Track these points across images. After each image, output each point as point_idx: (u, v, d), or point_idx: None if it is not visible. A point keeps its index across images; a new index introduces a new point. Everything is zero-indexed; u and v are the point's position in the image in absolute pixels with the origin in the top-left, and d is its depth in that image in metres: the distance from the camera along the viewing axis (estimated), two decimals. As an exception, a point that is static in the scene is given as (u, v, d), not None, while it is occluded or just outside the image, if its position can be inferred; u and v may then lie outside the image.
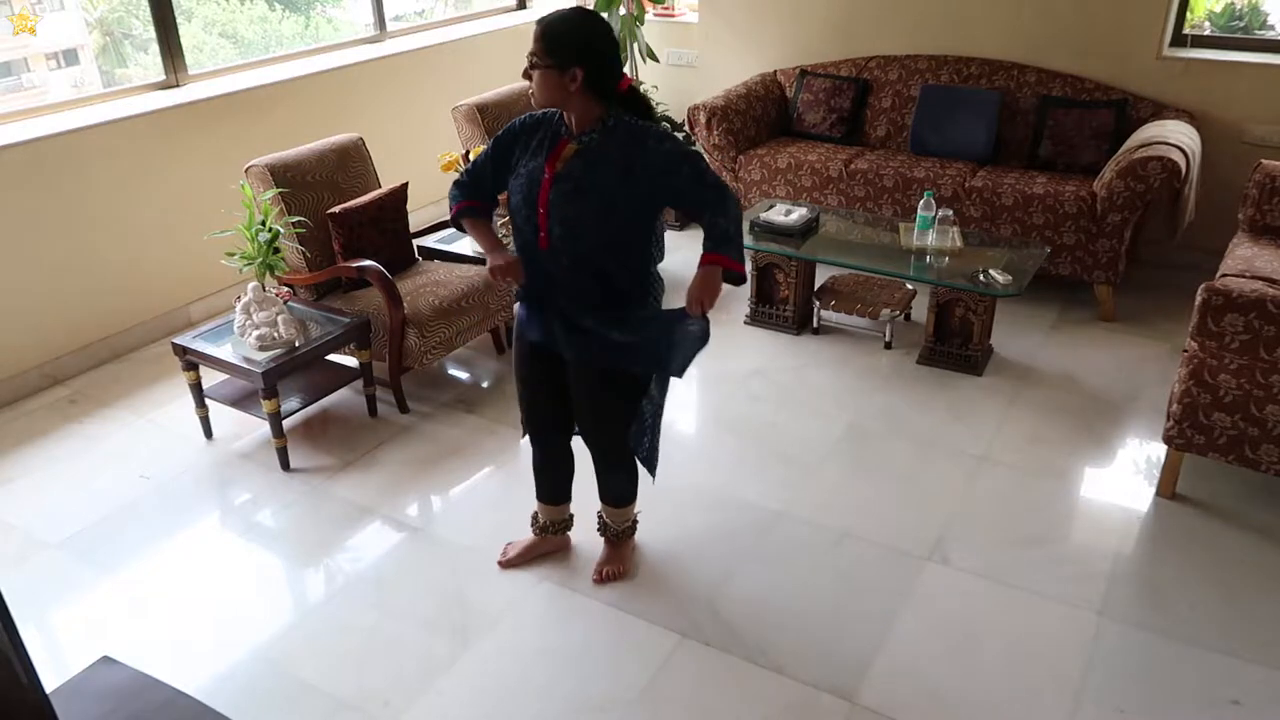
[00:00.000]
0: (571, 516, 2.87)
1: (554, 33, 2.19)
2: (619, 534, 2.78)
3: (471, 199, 2.49)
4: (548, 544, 2.86)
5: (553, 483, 2.79)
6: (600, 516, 2.78)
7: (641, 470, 2.68)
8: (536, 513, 2.84)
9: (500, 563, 2.84)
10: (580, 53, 2.18)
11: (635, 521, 2.81)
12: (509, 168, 2.37)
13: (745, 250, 4.22)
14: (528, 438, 2.71)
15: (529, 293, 2.45)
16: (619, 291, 2.36)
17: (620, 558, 2.80)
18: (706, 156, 5.07)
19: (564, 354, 2.43)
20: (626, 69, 5.51)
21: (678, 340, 2.38)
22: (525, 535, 2.88)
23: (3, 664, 1.39)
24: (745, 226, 4.18)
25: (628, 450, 2.59)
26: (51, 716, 1.51)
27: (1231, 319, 2.80)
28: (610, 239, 2.29)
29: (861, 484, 3.20)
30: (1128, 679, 2.43)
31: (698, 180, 2.27)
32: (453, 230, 4.20)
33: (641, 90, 2.37)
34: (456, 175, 2.54)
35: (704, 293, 2.30)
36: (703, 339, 2.38)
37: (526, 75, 2.25)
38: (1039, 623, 2.60)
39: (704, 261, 2.31)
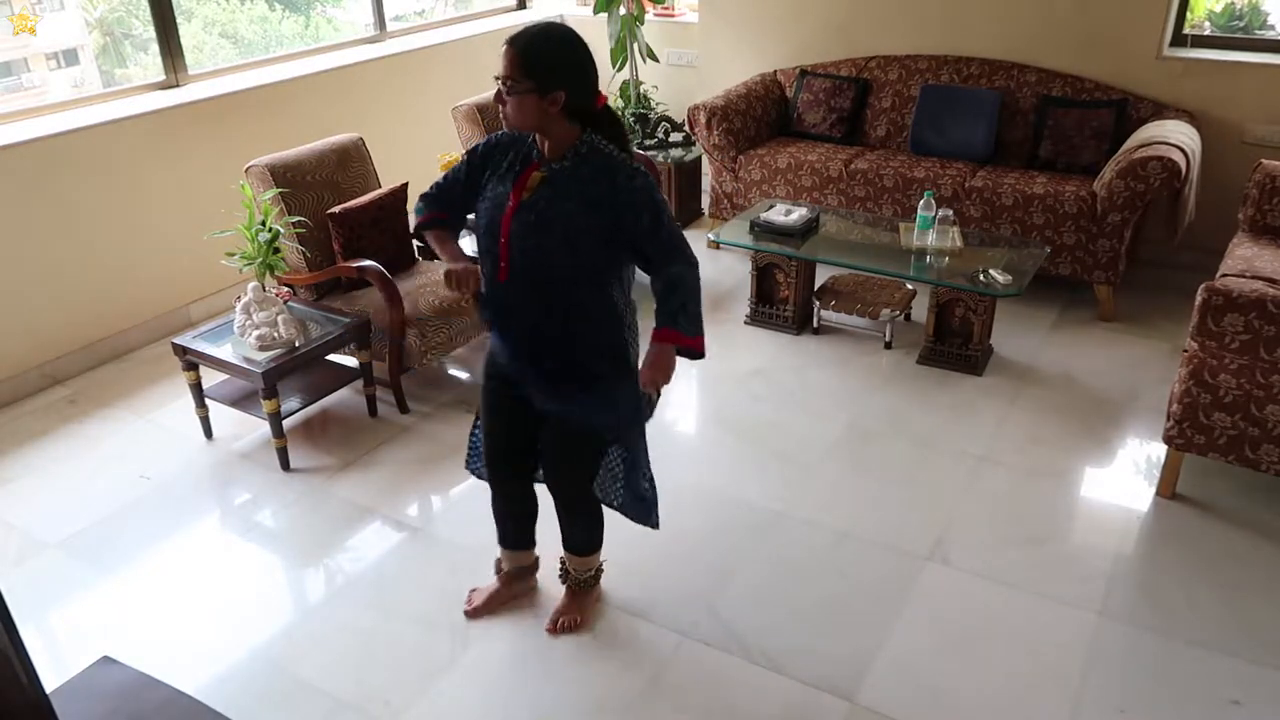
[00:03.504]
0: (537, 560, 2.74)
1: (534, 53, 2.01)
2: (580, 583, 2.61)
3: (438, 211, 2.33)
4: (512, 591, 2.71)
5: (515, 527, 2.65)
6: (562, 563, 2.64)
7: (617, 517, 2.55)
8: (499, 560, 2.72)
9: (467, 613, 2.66)
10: (564, 74, 2.03)
11: (600, 570, 2.65)
12: (479, 187, 2.23)
13: (745, 249, 4.27)
14: (487, 479, 2.58)
15: (495, 321, 2.31)
16: (567, 326, 2.19)
17: (579, 607, 2.62)
18: (706, 157, 5.08)
19: (527, 389, 2.32)
20: (626, 69, 5.52)
21: (621, 407, 2.29)
22: (488, 581, 2.74)
23: (3, 664, 1.39)
24: (745, 227, 4.19)
25: (592, 498, 2.47)
26: (51, 716, 1.51)
27: (1231, 319, 2.80)
28: (573, 275, 2.14)
29: (861, 484, 3.20)
30: (1128, 679, 2.43)
31: (654, 231, 2.10)
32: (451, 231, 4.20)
33: (615, 108, 2.26)
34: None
35: (656, 373, 2.16)
36: (643, 415, 2.32)
37: (500, 99, 2.06)
38: (1039, 623, 2.60)
39: (656, 338, 2.15)
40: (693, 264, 2.17)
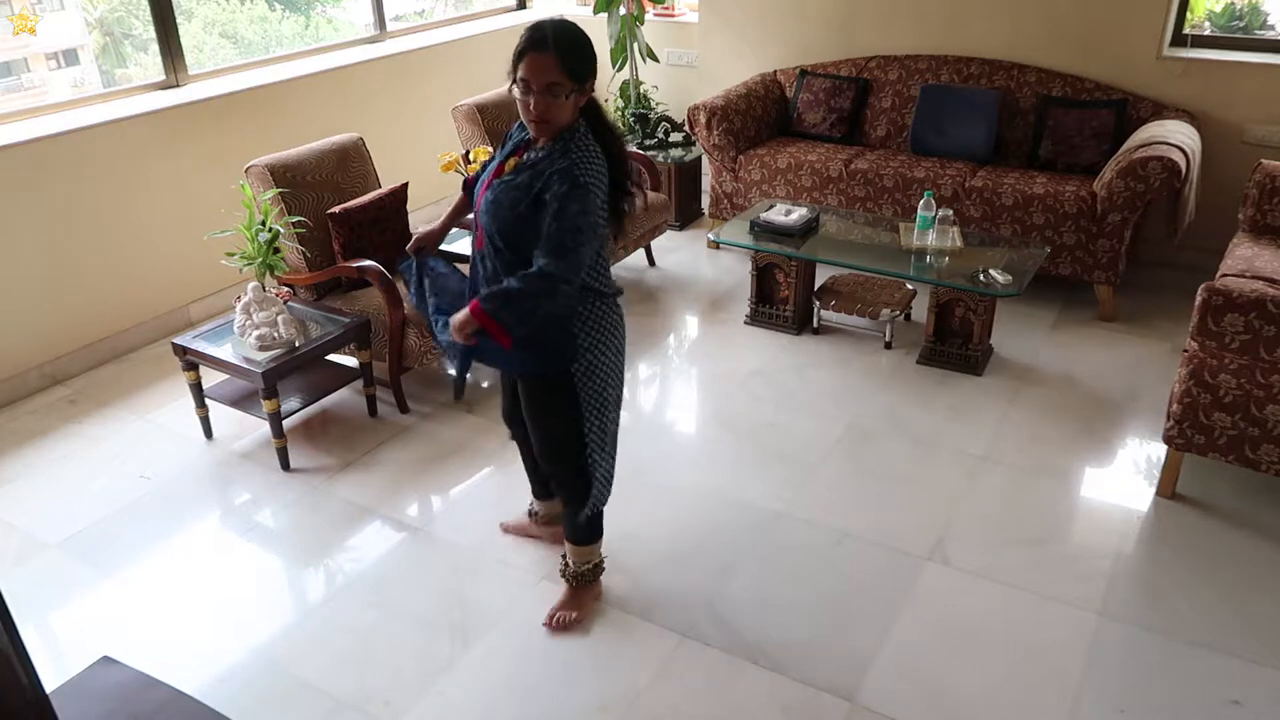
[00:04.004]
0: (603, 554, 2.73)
1: (575, 55, 2.07)
2: (578, 576, 2.62)
3: (467, 183, 2.56)
4: (541, 530, 2.91)
5: (536, 479, 2.85)
6: (563, 556, 2.66)
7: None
8: (532, 503, 2.93)
9: (501, 525, 2.95)
10: (592, 67, 2.14)
11: (598, 565, 2.65)
12: None
13: (745, 249, 4.27)
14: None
15: (472, 282, 2.41)
16: None
17: (577, 603, 2.63)
18: (706, 157, 5.07)
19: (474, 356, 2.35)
20: (626, 69, 5.52)
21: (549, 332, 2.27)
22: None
23: (3, 664, 1.39)
24: (745, 227, 4.19)
25: (574, 478, 2.45)
26: (51, 716, 1.51)
27: (1231, 319, 2.80)
28: (512, 256, 2.18)
29: (861, 484, 3.20)
30: (1128, 679, 2.43)
31: (548, 232, 2.09)
32: (453, 230, 4.19)
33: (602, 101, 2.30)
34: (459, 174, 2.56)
35: (456, 327, 2.20)
36: (452, 350, 2.30)
37: (540, 105, 2.07)
38: (1039, 622, 2.60)
39: (472, 305, 2.17)
40: (552, 274, 2.08)
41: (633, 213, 2.43)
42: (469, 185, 2.54)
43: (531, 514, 2.94)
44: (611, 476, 2.54)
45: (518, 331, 2.15)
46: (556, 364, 2.28)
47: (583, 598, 2.65)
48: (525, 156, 2.19)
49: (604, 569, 2.69)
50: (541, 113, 2.09)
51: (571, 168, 2.09)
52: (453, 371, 2.43)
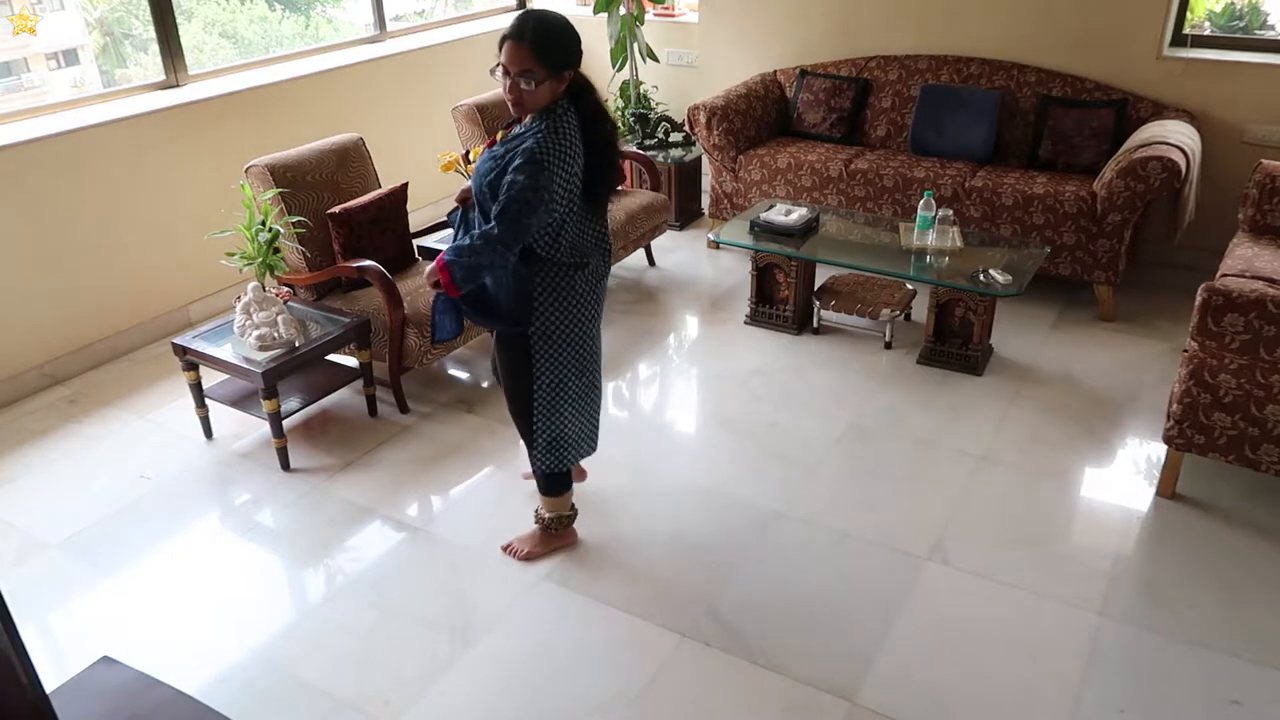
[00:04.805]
0: (574, 509, 2.89)
1: (544, 43, 2.26)
2: (543, 521, 2.84)
3: None
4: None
5: None
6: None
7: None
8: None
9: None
10: (569, 54, 2.31)
11: (564, 518, 2.83)
12: None
13: (745, 249, 4.27)
14: None
15: None
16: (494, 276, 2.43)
17: (534, 542, 2.86)
18: (706, 157, 5.07)
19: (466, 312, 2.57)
20: (626, 69, 5.52)
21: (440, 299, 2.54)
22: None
23: (3, 664, 1.39)
24: (745, 227, 4.19)
25: (530, 431, 2.68)
26: (51, 716, 1.51)
27: (1231, 319, 2.80)
28: (487, 221, 2.36)
29: (861, 484, 3.20)
30: (1128, 679, 2.43)
31: (500, 198, 2.30)
32: (453, 230, 4.20)
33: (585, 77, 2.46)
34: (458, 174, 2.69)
35: (426, 273, 2.41)
36: (436, 306, 2.55)
37: (514, 90, 2.29)
38: (1039, 623, 2.60)
39: (439, 255, 2.38)
40: (491, 236, 2.28)
41: (610, 192, 2.58)
42: None
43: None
44: (568, 440, 2.68)
45: (462, 284, 2.37)
46: (514, 325, 2.51)
47: (542, 539, 2.86)
48: (511, 130, 2.42)
49: (572, 521, 2.87)
50: (516, 96, 2.31)
51: (535, 146, 2.29)
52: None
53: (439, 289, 2.40)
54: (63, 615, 2.75)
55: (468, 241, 2.33)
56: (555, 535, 2.86)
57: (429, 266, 2.41)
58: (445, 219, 2.86)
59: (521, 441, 2.81)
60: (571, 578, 2.79)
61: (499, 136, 2.45)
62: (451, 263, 2.33)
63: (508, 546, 2.87)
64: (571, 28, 2.34)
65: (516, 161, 2.29)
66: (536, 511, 2.86)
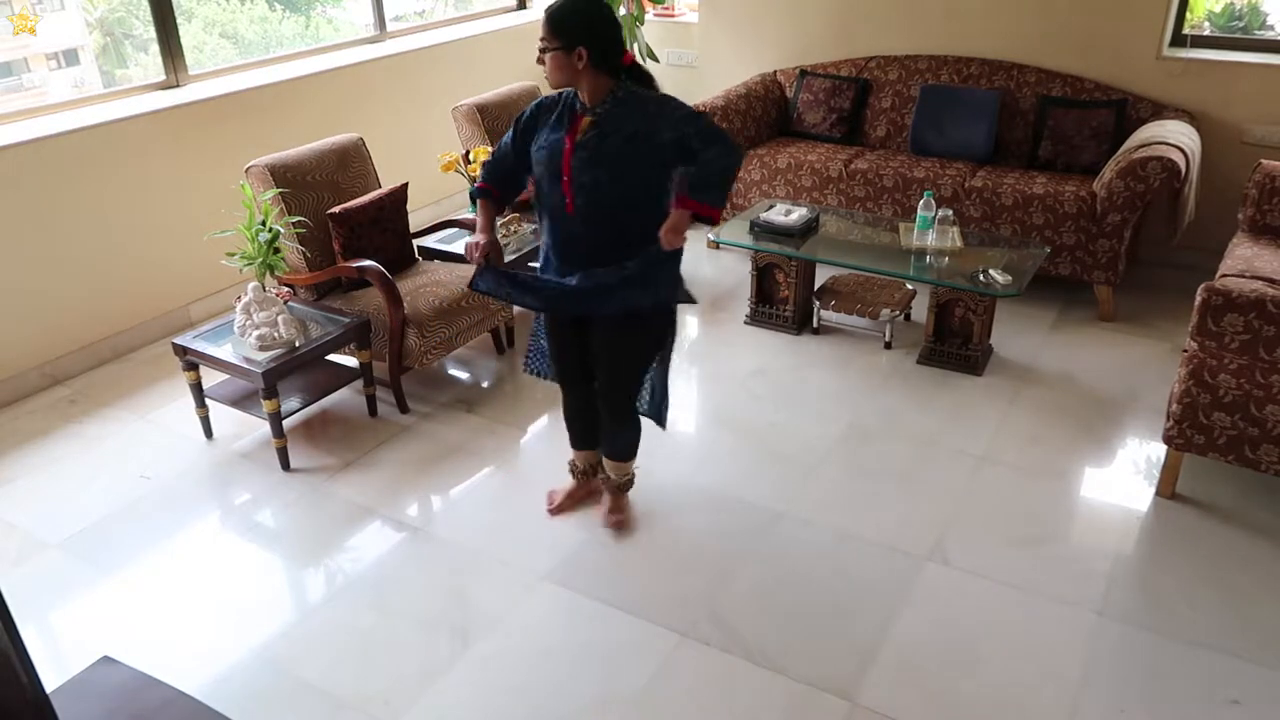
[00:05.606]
0: (600, 459, 3.02)
1: (558, 17, 2.40)
2: (620, 486, 2.99)
3: (490, 182, 2.72)
4: (586, 487, 3.09)
5: (583, 429, 3.00)
6: (601, 468, 3.01)
7: (649, 425, 2.93)
8: (573, 460, 3.06)
9: (549, 510, 3.06)
10: (582, 33, 2.40)
11: (633, 478, 3.01)
12: (527, 149, 2.59)
13: (745, 249, 4.27)
14: (559, 383, 2.93)
15: (548, 259, 2.65)
16: (631, 243, 2.53)
17: (623, 507, 3.02)
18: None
19: (581, 310, 2.64)
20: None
21: (666, 271, 2.60)
22: (564, 482, 3.11)
23: (3, 664, 1.39)
24: (745, 227, 4.19)
25: (635, 409, 2.84)
26: (51, 716, 1.51)
27: (1231, 319, 2.80)
28: (624, 198, 2.48)
29: (861, 484, 3.20)
30: (1128, 679, 2.43)
31: (703, 137, 2.47)
32: (453, 230, 4.21)
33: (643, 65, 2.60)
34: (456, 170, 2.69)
35: (671, 234, 2.46)
36: (676, 260, 2.61)
37: (540, 60, 2.46)
38: (1039, 623, 2.61)
39: (674, 205, 2.47)
40: (731, 148, 2.49)
41: None
42: (485, 193, 2.73)
43: (577, 472, 3.08)
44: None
45: (724, 202, 2.51)
46: (681, 297, 2.66)
47: (626, 503, 3.03)
48: (596, 111, 2.47)
49: (634, 482, 3.02)
50: (547, 70, 2.46)
51: (652, 100, 2.52)
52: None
53: (684, 239, 2.49)
54: (63, 615, 2.75)
55: (703, 171, 2.44)
56: (627, 492, 3.03)
57: (672, 224, 2.44)
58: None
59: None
60: (571, 578, 2.79)
61: (586, 123, 2.47)
62: (707, 198, 2.44)
63: (610, 523, 2.98)
64: (593, 13, 2.43)
65: (672, 107, 2.51)
66: (610, 480, 2.98)
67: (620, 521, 3.00)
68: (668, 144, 2.46)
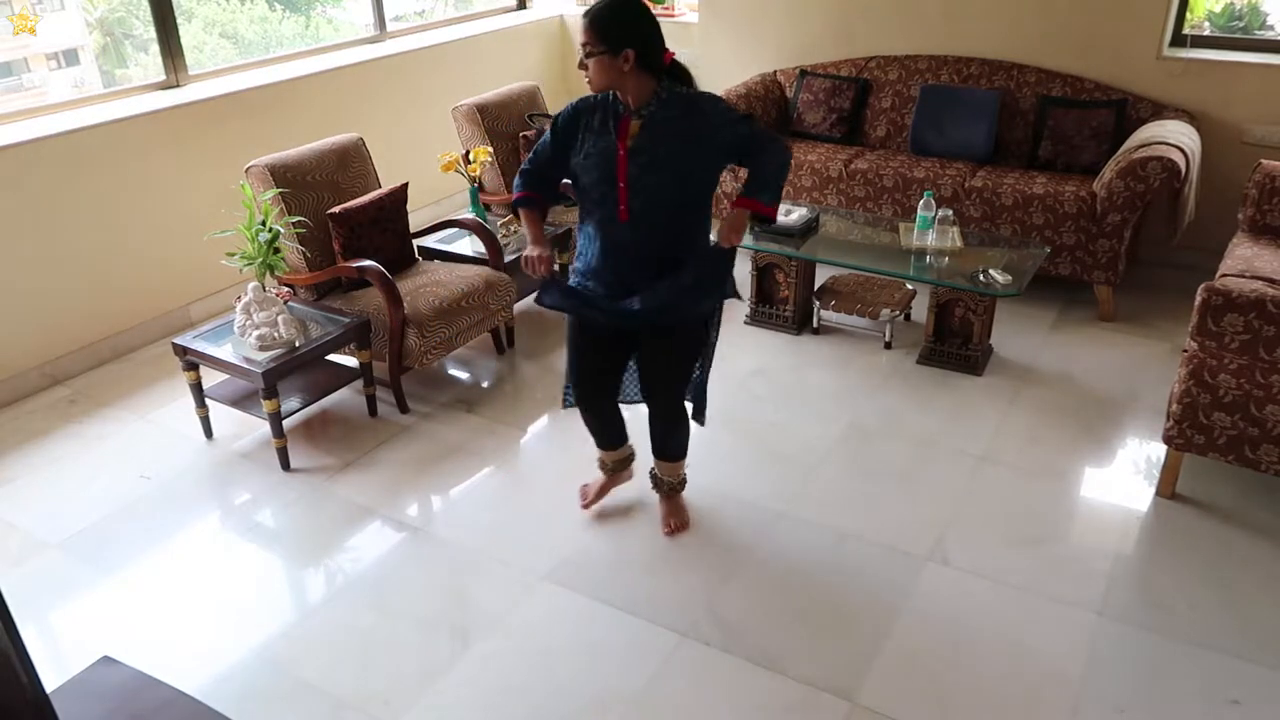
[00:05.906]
0: (633, 449, 3.02)
1: (603, 21, 2.36)
2: (674, 487, 2.95)
3: (531, 189, 2.65)
4: (618, 479, 3.06)
5: (609, 434, 2.96)
6: (654, 474, 2.95)
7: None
8: (602, 458, 3.00)
9: (583, 506, 3.05)
10: (629, 35, 2.36)
11: (684, 478, 2.97)
12: (571, 152, 2.54)
13: (745, 249, 4.26)
14: (578, 406, 2.87)
15: (593, 268, 2.59)
16: (681, 245, 2.55)
17: (680, 509, 2.98)
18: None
19: (630, 323, 2.58)
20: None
21: (721, 268, 2.65)
22: (594, 478, 3.08)
23: (3, 664, 1.39)
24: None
25: (684, 408, 2.81)
26: (51, 716, 1.51)
27: (1231, 319, 2.80)
28: (684, 200, 2.50)
29: (861, 484, 3.20)
30: (1128, 679, 2.43)
31: (759, 140, 2.50)
32: (453, 230, 4.21)
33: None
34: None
35: (731, 232, 2.54)
36: (732, 257, 2.67)
37: (582, 66, 2.41)
38: (1039, 623, 2.60)
39: (734, 205, 2.53)
40: (784, 148, 2.55)
41: None
42: (530, 201, 2.66)
43: (607, 468, 3.02)
44: None
45: (779, 201, 2.59)
46: (730, 292, 2.71)
47: (682, 504, 2.99)
48: (643, 114, 2.44)
49: (686, 480, 2.99)
50: (590, 74, 2.40)
51: (700, 100, 2.48)
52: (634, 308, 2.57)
53: (763, 223, 2.63)
54: (63, 615, 2.75)
55: (761, 172, 2.51)
56: (681, 491, 3.00)
57: (730, 223, 2.53)
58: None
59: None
60: (571, 578, 2.79)
61: (635, 126, 2.44)
62: (762, 197, 2.52)
63: (671, 528, 2.94)
64: (636, 14, 2.40)
65: (721, 110, 2.49)
66: (664, 483, 2.94)
67: (682, 525, 2.96)
68: (723, 145, 2.47)
